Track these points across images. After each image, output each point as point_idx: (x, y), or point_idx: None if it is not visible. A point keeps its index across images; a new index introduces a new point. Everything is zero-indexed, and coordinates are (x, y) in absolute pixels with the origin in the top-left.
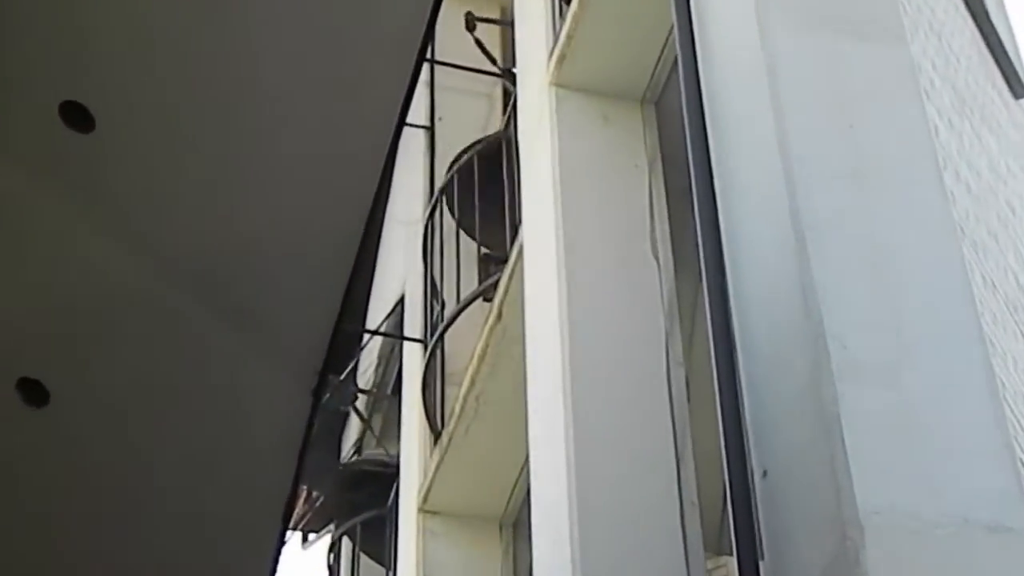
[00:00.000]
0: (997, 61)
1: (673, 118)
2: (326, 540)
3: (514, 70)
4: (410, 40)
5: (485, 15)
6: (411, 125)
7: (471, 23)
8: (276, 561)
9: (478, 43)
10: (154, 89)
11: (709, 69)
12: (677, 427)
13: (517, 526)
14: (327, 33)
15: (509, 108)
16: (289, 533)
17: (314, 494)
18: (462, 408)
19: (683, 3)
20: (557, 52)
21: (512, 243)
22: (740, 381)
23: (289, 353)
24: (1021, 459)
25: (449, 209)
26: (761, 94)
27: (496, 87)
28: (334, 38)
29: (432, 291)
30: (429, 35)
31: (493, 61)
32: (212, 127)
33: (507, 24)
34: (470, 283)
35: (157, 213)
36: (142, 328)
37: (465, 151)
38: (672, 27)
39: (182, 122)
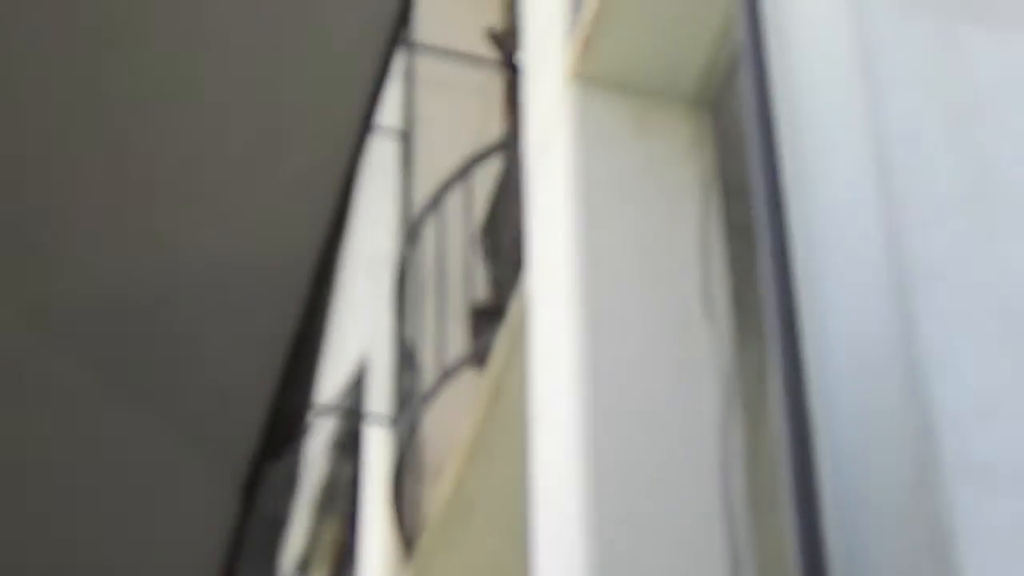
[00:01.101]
0: None
1: (736, 127)
2: None
3: (519, 57)
4: (381, 16)
5: None
6: (380, 131)
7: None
8: None
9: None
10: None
11: (784, 62)
12: (735, 540)
13: None
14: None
15: (516, 109)
16: None
17: None
18: (444, 514)
19: None
20: (580, 33)
21: (514, 291)
22: (819, 481)
23: (211, 436)
24: None
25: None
26: (852, 96)
27: (495, 80)
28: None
29: (405, 353)
30: (406, 9)
31: (496, 43)
32: (105, 148)
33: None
34: (457, 344)
35: (40, 266)
36: (24, 401)
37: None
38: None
39: (67, 144)
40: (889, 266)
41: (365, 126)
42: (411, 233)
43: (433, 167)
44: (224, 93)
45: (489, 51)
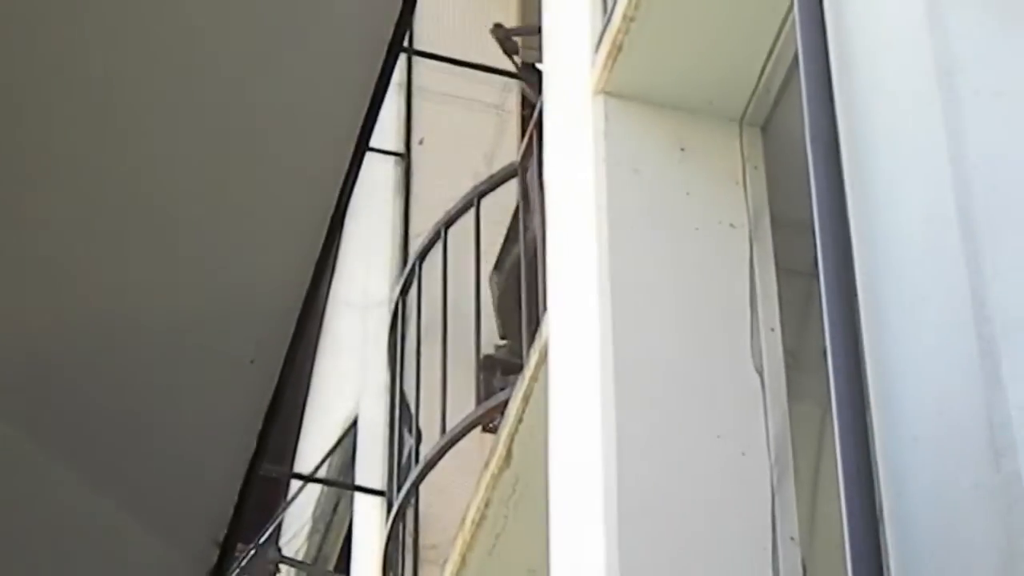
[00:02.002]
0: None
1: (791, 151)
2: None
3: (539, 67)
4: (378, 22)
5: None
6: (376, 151)
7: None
8: None
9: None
10: None
11: (847, 78)
12: None
13: None
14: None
15: (531, 127)
16: None
17: None
18: None
19: None
20: (609, 42)
21: (531, 341)
22: (887, 567)
23: (174, 513)
24: None
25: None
26: (931, 120)
27: (510, 94)
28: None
29: (403, 414)
30: (408, 9)
31: (508, 54)
32: (70, 190)
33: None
34: (463, 403)
35: None
36: None
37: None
38: (791, 5)
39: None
40: (971, 317)
41: (360, 148)
42: (409, 272)
43: (437, 194)
44: (198, 119)
45: (501, 58)
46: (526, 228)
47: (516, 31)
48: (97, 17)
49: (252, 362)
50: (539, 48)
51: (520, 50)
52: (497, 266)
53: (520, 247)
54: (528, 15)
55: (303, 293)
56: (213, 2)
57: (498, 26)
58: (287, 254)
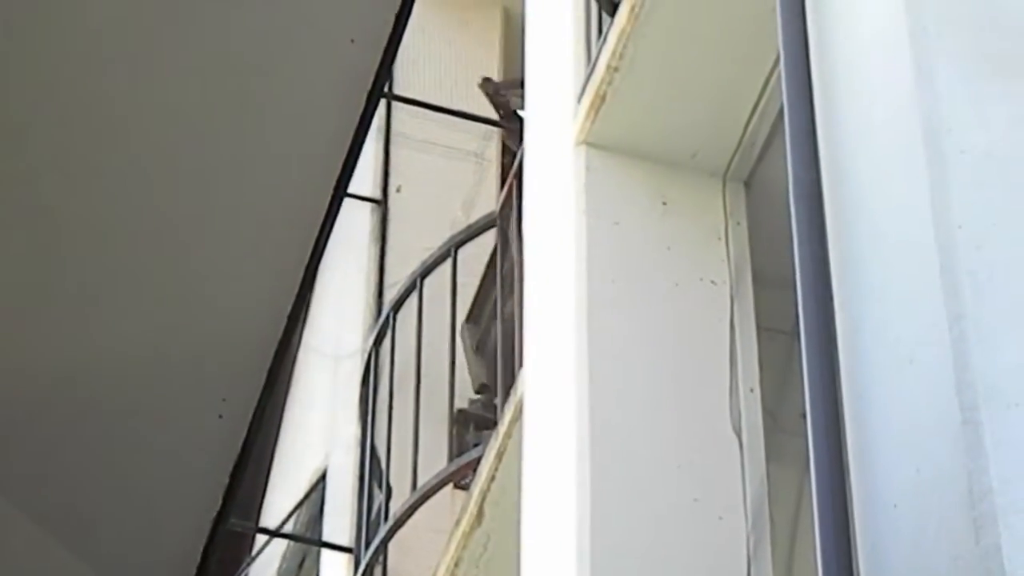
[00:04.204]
0: None
1: (774, 207)
2: None
3: (521, 115)
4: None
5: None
6: (353, 197)
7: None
8: None
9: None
10: None
11: (832, 136)
12: None
13: None
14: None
15: (511, 176)
16: None
17: None
18: None
19: (794, 26)
20: (592, 92)
21: (506, 396)
22: None
23: (139, 565)
24: None
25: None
26: (916, 179)
27: (490, 142)
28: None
29: (373, 469)
30: (388, 59)
31: (497, 107)
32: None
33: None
34: (435, 459)
35: None
36: None
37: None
38: (777, 60)
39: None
40: (953, 384)
41: (338, 194)
42: (383, 323)
43: (414, 242)
44: (173, 164)
45: (481, 106)
46: (503, 279)
47: (503, 85)
48: (69, 88)
49: (221, 417)
50: (522, 96)
51: (508, 100)
52: (470, 318)
53: (496, 298)
54: (510, 62)
55: (275, 346)
56: (196, 51)
57: (487, 80)
58: (260, 305)
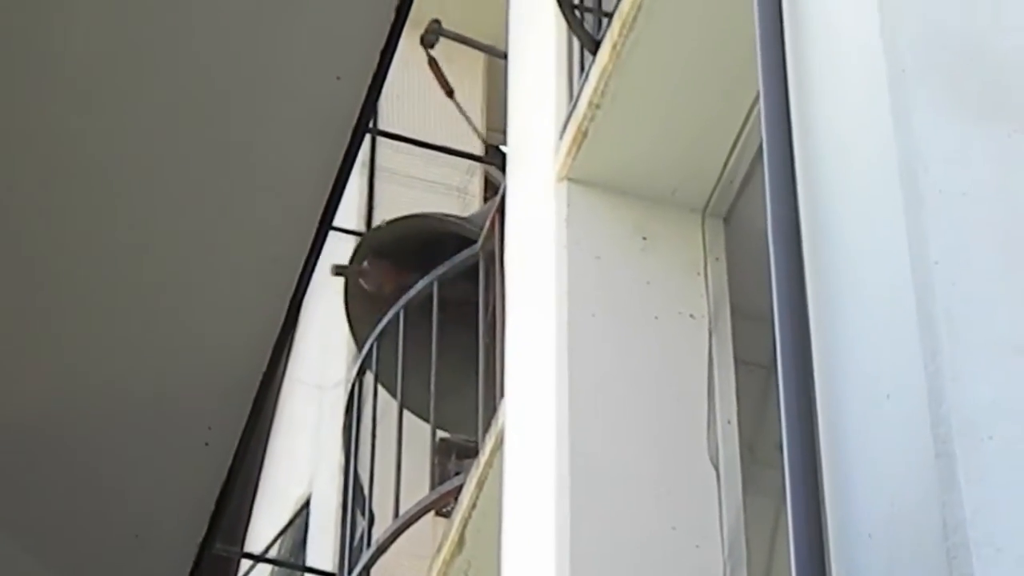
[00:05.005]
0: None
1: (753, 243)
2: None
3: (503, 150)
4: (344, 104)
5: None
6: (337, 230)
7: (429, 37)
8: None
9: (449, 94)
10: None
11: (811, 172)
12: None
13: None
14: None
15: (493, 211)
16: None
17: None
18: None
19: (774, 64)
20: (574, 128)
21: (487, 427)
22: None
23: None
24: None
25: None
26: (893, 215)
27: (474, 177)
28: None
29: (356, 496)
30: (373, 95)
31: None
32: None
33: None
34: (417, 487)
35: None
36: None
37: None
38: (756, 98)
39: None
40: (927, 417)
41: (323, 227)
42: (367, 353)
43: None
44: (159, 198)
45: (465, 141)
46: (486, 312)
47: (452, 37)
48: (48, 126)
49: (207, 445)
50: (504, 131)
51: (485, 130)
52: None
53: (480, 331)
54: (494, 97)
55: (260, 376)
56: (182, 87)
57: (432, 24)
58: (246, 337)
